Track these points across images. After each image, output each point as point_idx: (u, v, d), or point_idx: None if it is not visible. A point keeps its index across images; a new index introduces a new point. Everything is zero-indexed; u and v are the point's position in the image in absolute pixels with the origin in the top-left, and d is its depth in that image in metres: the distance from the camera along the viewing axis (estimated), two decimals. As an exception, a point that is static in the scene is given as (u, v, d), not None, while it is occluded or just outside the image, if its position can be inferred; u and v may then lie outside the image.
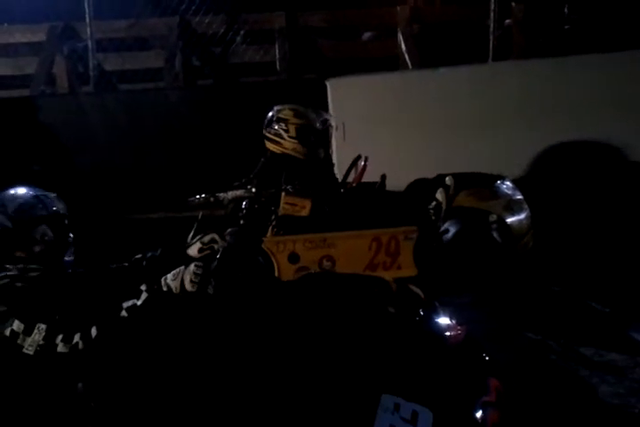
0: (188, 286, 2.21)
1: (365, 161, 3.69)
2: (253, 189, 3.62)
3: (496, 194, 3.23)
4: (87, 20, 6.44)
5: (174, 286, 2.22)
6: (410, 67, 6.47)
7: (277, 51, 6.85)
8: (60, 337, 2.16)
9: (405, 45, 6.64)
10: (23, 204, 2.44)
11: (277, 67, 6.85)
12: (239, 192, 3.67)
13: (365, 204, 3.47)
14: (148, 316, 2.21)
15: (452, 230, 3.03)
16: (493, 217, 2.98)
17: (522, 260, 3.02)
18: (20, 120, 5.93)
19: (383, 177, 3.68)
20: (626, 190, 4.76)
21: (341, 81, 5.23)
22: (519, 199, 3.23)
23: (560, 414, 2.55)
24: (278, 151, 3.66)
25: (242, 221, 3.49)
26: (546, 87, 4.93)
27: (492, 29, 6.17)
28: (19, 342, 2.18)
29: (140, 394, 2.14)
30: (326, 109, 4.66)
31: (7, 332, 2.18)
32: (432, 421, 1.83)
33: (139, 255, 2.59)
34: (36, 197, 2.47)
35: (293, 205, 3.29)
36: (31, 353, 2.17)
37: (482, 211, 3.03)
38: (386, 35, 7.06)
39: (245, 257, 2.92)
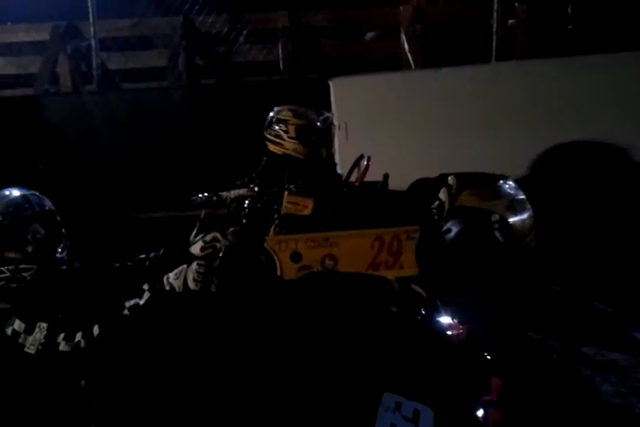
0: (191, 285, 2.22)
1: (368, 160, 3.69)
2: (256, 189, 3.62)
3: (498, 194, 3.22)
4: (90, 19, 6.46)
5: (177, 285, 2.22)
6: (413, 66, 6.48)
7: (280, 50, 6.85)
8: (62, 336, 2.17)
9: (408, 45, 6.64)
10: (10, 204, 2.41)
11: (280, 66, 6.85)
12: (242, 191, 3.68)
13: (368, 203, 3.47)
14: (150, 315, 2.22)
15: (455, 230, 3.03)
16: (496, 217, 2.98)
17: (524, 260, 3.02)
18: (24, 119, 5.94)
19: (386, 176, 3.68)
20: (629, 191, 4.75)
21: (344, 81, 5.23)
22: (522, 199, 3.23)
23: (561, 414, 2.55)
24: (279, 152, 3.66)
25: (244, 220, 3.50)
26: (549, 87, 4.92)
27: (495, 29, 6.17)
28: (20, 341, 2.18)
29: (142, 391, 2.14)
30: (329, 109, 4.65)
31: (8, 331, 2.18)
32: (433, 420, 1.83)
33: (142, 255, 2.59)
34: (23, 196, 2.45)
35: (296, 204, 3.30)
36: (33, 352, 2.17)
37: (484, 211, 3.03)
38: (389, 34, 7.07)
39: (248, 256, 2.92)
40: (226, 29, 6.88)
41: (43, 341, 2.17)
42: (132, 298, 2.23)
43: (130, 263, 2.56)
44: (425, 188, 3.44)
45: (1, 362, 2.21)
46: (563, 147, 4.88)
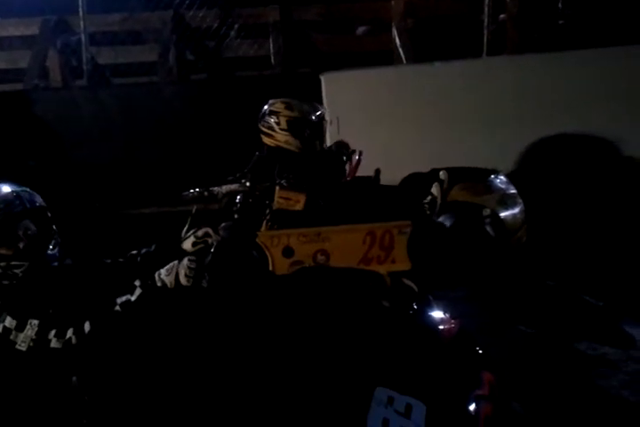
0: (182, 281, 2.21)
1: (360, 155, 3.70)
2: (248, 184, 3.61)
3: (490, 188, 3.22)
4: (80, 13, 6.41)
5: (169, 281, 2.22)
6: (404, 61, 6.47)
7: (272, 45, 6.83)
8: (53, 332, 2.16)
9: (400, 40, 6.63)
10: (0, 201, 2.39)
11: (272, 61, 6.83)
12: (233, 186, 3.67)
13: (360, 198, 3.47)
14: (142, 311, 2.21)
15: (446, 224, 3.03)
16: (487, 211, 2.97)
17: (515, 254, 3.03)
18: (13, 114, 5.90)
19: (377, 171, 3.68)
20: (621, 185, 4.77)
21: (336, 75, 5.22)
22: (513, 194, 3.23)
23: (553, 408, 2.56)
24: (272, 144, 3.68)
25: (236, 216, 3.49)
26: (540, 82, 4.93)
27: (486, 24, 6.16)
28: (11, 338, 2.18)
29: (134, 388, 2.14)
30: (320, 103, 4.64)
31: None
32: (425, 414, 1.84)
33: (134, 251, 2.58)
34: (13, 192, 2.44)
35: (288, 199, 3.29)
36: (24, 349, 2.17)
37: (475, 205, 3.03)
38: (380, 29, 7.05)
39: (239, 251, 2.91)
40: (216, 24, 6.85)
41: (34, 337, 2.16)
42: (123, 294, 2.22)
43: (121, 259, 2.55)
44: (417, 182, 3.43)
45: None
46: (554, 141, 4.89)
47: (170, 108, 5.91)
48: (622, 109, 4.85)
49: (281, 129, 3.64)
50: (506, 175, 3.44)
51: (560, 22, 6.65)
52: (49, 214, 2.49)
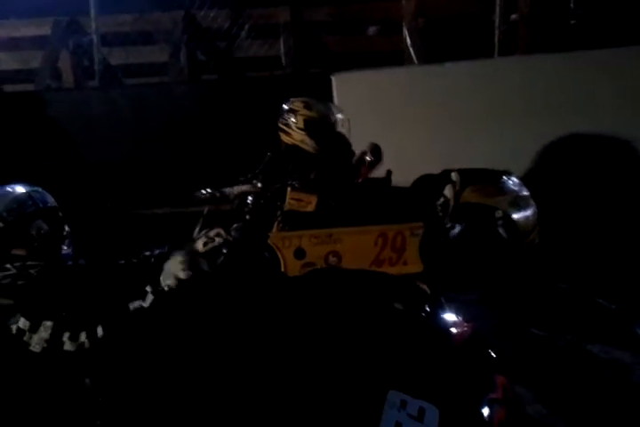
0: (182, 276, 2.22)
1: (372, 158, 3.69)
2: (259, 185, 3.62)
3: (502, 190, 3.21)
4: (92, 14, 6.44)
5: (171, 283, 2.22)
6: (415, 61, 6.45)
7: (282, 45, 6.83)
8: (67, 335, 2.17)
9: (410, 39, 6.61)
10: (14, 201, 2.42)
11: (282, 61, 6.83)
12: (245, 187, 3.68)
13: (371, 199, 3.47)
14: (155, 317, 2.22)
15: (458, 226, 3.02)
16: (499, 213, 2.97)
17: (528, 256, 3.01)
18: (26, 114, 5.93)
19: (389, 172, 3.68)
20: (632, 186, 4.74)
21: (347, 76, 5.22)
22: (525, 195, 3.22)
23: (566, 411, 2.55)
24: (289, 142, 3.71)
25: (248, 217, 3.50)
26: (552, 83, 4.91)
27: (497, 24, 6.14)
28: (25, 339, 2.18)
29: (147, 389, 2.14)
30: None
31: (13, 329, 2.18)
32: (439, 418, 1.83)
33: (147, 252, 2.59)
34: (26, 192, 2.46)
35: (299, 200, 3.30)
36: (38, 351, 2.17)
37: (488, 207, 3.02)
38: (391, 29, 7.04)
39: (251, 252, 2.92)
40: (227, 24, 6.85)
41: (47, 339, 2.17)
42: (135, 300, 2.23)
43: (135, 260, 2.56)
44: (428, 184, 3.43)
45: (6, 360, 2.21)
46: (565, 142, 4.87)
47: (181, 109, 5.92)
48: (633, 110, 4.83)
49: (298, 128, 3.65)
50: (518, 177, 3.43)
51: (572, 22, 6.61)
52: (60, 214, 2.51)
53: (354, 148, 3.83)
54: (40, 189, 2.52)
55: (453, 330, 2.15)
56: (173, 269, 2.23)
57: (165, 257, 2.53)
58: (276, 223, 3.36)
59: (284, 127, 3.71)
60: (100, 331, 2.16)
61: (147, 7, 6.82)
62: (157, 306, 2.21)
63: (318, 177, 3.53)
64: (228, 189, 3.71)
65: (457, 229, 2.90)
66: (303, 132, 3.64)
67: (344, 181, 3.64)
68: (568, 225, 4.37)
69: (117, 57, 6.80)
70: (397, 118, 5.00)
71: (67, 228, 2.53)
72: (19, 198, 2.43)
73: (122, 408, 2.13)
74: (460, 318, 2.19)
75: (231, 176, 3.78)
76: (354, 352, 2.04)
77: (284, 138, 3.72)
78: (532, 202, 3.17)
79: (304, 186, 3.40)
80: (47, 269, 2.36)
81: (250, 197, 3.58)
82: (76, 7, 6.61)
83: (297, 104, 3.71)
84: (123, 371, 2.18)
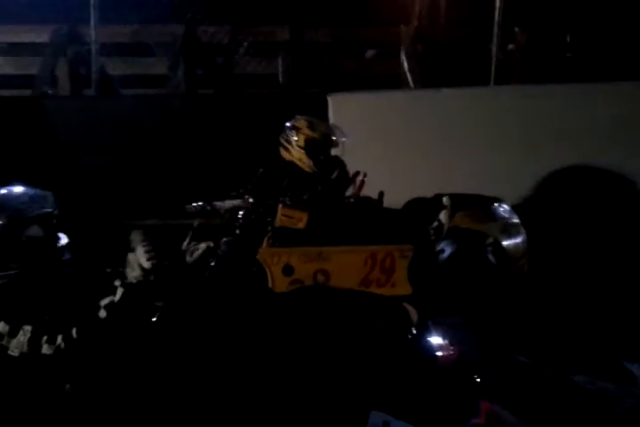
0: (147, 265, 2.22)
1: (364, 177, 3.71)
2: (251, 200, 3.62)
3: (493, 216, 3.21)
4: (92, 24, 6.45)
5: (137, 274, 2.23)
6: (411, 85, 6.51)
7: (280, 63, 6.88)
8: (45, 339, 2.15)
9: (408, 64, 6.68)
10: (14, 204, 2.41)
11: (280, 79, 6.87)
12: (236, 202, 3.68)
13: (362, 219, 3.47)
14: (126, 311, 2.22)
15: (448, 251, 3.02)
16: (490, 239, 2.97)
17: (516, 283, 3.02)
18: (21, 119, 5.91)
19: (381, 194, 3.69)
20: (623, 216, 4.78)
21: (343, 96, 5.24)
22: (516, 223, 3.21)
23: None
24: (287, 158, 3.73)
25: (237, 231, 3.49)
26: (546, 112, 4.96)
27: (494, 53, 6.21)
28: (4, 343, 2.17)
29: (128, 394, 2.13)
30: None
31: None
32: (421, 440, 1.82)
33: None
34: (24, 195, 2.45)
35: (290, 217, 3.30)
36: (16, 355, 2.16)
37: (478, 232, 3.02)
38: (389, 53, 7.11)
39: (239, 267, 2.91)
40: (227, 40, 6.90)
41: (26, 344, 2.15)
42: (106, 296, 2.23)
43: (122, 269, 2.54)
44: (420, 207, 3.44)
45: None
46: (558, 172, 4.90)
47: (176, 122, 5.92)
48: (628, 143, 4.88)
49: (298, 146, 3.67)
50: (509, 204, 3.44)
51: (567, 55, 6.71)
52: (54, 222, 2.49)
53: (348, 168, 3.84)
54: (39, 192, 2.51)
55: (439, 353, 2.14)
56: (137, 260, 2.23)
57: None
58: (265, 239, 3.35)
59: (285, 143, 3.72)
60: (74, 333, 2.16)
61: (147, 20, 6.86)
62: (128, 299, 2.21)
63: (311, 197, 3.54)
64: (219, 204, 3.71)
65: (446, 253, 2.89)
66: (302, 151, 3.66)
67: (336, 200, 3.65)
68: (558, 253, 4.38)
69: (115, 67, 6.82)
70: (392, 141, 5.01)
71: (62, 235, 2.51)
72: (17, 201, 2.42)
73: (102, 414, 2.11)
74: (447, 342, 2.19)
75: (223, 190, 3.77)
76: (337, 371, 2.03)
77: (284, 153, 3.73)
78: (522, 229, 3.16)
79: (295, 203, 3.41)
80: (27, 275, 2.35)
81: (241, 212, 3.57)
82: (77, 16, 6.64)
83: (301, 122, 3.72)
84: (103, 376, 2.17)
